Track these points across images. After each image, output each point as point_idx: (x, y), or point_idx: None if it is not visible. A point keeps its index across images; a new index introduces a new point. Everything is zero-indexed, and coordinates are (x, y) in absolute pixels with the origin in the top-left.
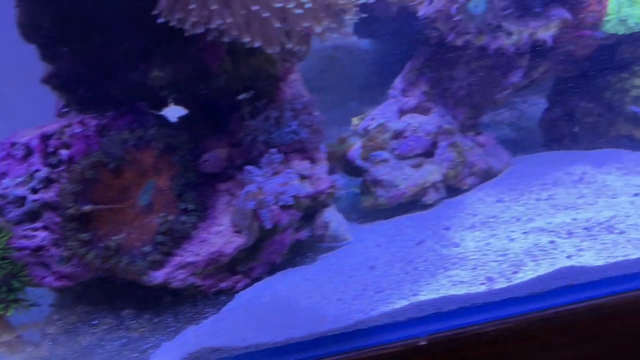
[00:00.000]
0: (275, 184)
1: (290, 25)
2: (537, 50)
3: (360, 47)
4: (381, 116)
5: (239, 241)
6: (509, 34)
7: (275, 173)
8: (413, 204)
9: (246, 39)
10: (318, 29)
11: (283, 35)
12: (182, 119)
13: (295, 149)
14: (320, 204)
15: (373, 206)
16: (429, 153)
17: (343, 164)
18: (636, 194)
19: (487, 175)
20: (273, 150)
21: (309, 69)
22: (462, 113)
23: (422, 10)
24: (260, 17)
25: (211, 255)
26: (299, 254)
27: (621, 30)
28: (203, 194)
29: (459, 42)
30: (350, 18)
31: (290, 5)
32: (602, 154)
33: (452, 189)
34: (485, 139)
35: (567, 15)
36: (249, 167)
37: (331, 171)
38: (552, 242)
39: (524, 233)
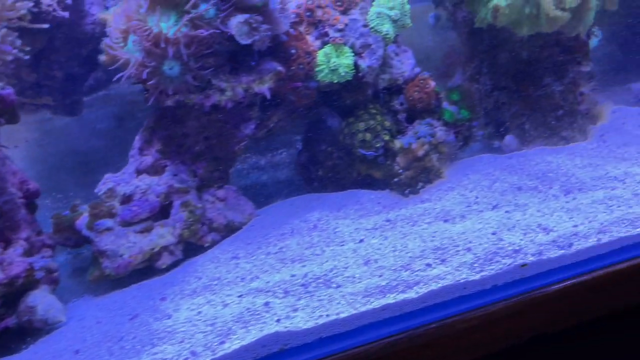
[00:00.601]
0: None
1: None
2: (266, 102)
3: None
4: (112, 179)
5: None
6: (222, 90)
7: None
8: (148, 270)
9: None
10: None
11: None
12: None
13: None
14: (22, 288)
15: (100, 278)
16: (164, 214)
17: (74, 234)
18: (361, 240)
19: (229, 230)
20: None
21: (109, 117)
22: (202, 167)
23: (120, 75)
24: None
25: None
26: (13, 342)
27: (334, 79)
28: None
29: (169, 102)
30: None
31: None
32: (344, 196)
33: (195, 248)
34: (225, 193)
35: (280, 68)
36: None
37: (71, 242)
38: (266, 303)
39: (240, 296)
